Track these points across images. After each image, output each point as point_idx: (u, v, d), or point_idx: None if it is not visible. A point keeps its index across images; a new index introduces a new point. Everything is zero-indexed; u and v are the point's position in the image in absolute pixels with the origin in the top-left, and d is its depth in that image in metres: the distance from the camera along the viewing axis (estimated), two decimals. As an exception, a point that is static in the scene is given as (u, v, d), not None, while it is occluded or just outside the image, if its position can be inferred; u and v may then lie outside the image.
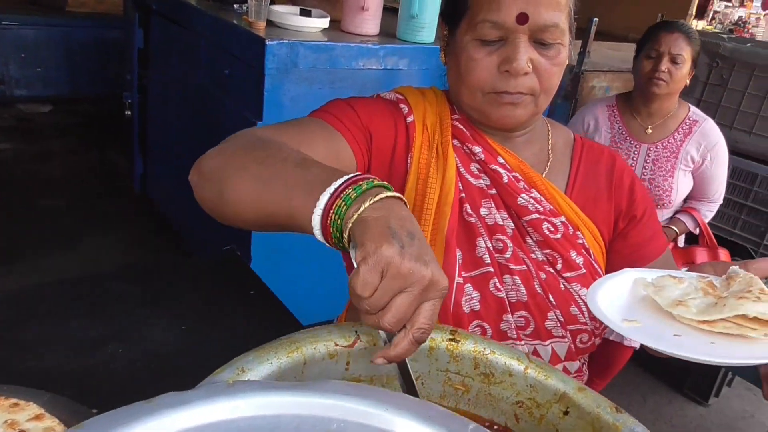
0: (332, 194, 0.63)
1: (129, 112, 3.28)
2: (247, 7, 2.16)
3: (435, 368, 0.72)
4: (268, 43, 1.99)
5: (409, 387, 0.63)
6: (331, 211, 0.63)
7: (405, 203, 0.64)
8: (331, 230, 0.63)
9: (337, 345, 0.68)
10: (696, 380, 2.78)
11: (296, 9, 2.30)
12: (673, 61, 2.18)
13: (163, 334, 0.95)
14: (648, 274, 0.82)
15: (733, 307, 0.68)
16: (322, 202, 0.64)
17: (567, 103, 2.70)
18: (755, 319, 0.67)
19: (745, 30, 6.71)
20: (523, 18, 0.87)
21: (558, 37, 0.91)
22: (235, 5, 2.46)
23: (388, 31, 2.34)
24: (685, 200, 2.44)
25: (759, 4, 7.52)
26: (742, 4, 7.27)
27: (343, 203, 0.62)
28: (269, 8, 2.15)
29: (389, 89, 1.06)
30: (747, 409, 2.62)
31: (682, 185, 2.30)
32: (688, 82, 2.26)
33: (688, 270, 0.86)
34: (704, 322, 0.69)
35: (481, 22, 0.89)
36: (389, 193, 0.63)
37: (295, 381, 0.62)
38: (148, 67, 3.10)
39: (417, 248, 0.59)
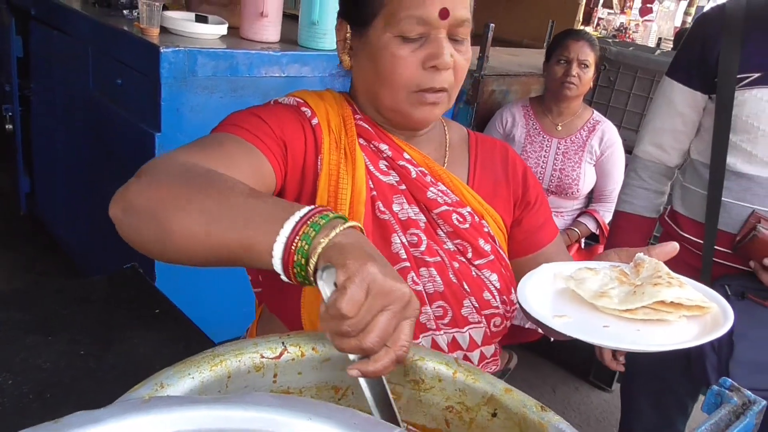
0: (297, 222, 0.63)
1: (10, 126, 3.03)
2: (138, 13, 2.06)
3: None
4: (162, 50, 1.89)
5: (383, 401, 0.63)
6: (297, 238, 0.62)
7: (358, 225, 0.65)
8: (295, 258, 0.62)
9: (263, 357, 0.66)
10: (599, 369, 2.92)
11: (191, 15, 2.21)
12: (581, 66, 2.44)
13: (57, 362, 0.87)
14: (564, 268, 0.85)
15: (652, 295, 0.73)
16: (286, 230, 0.62)
17: (469, 107, 2.77)
18: (670, 303, 0.73)
19: (626, 35, 7.21)
20: (445, 13, 0.89)
21: (467, 34, 0.94)
22: (124, 11, 2.34)
23: (289, 38, 2.31)
24: (587, 204, 2.62)
25: (637, 11, 8.12)
26: (622, 11, 7.82)
27: (311, 229, 0.62)
28: (162, 14, 2.05)
29: (292, 97, 1.03)
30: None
31: (587, 176, 2.54)
32: (592, 84, 2.54)
33: (595, 259, 0.89)
34: (627, 310, 0.74)
35: (406, 18, 0.89)
36: (353, 223, 0.64)
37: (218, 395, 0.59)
38: (29, 78, 2.89)
39: (391, 269, 0.61)
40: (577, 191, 2.54)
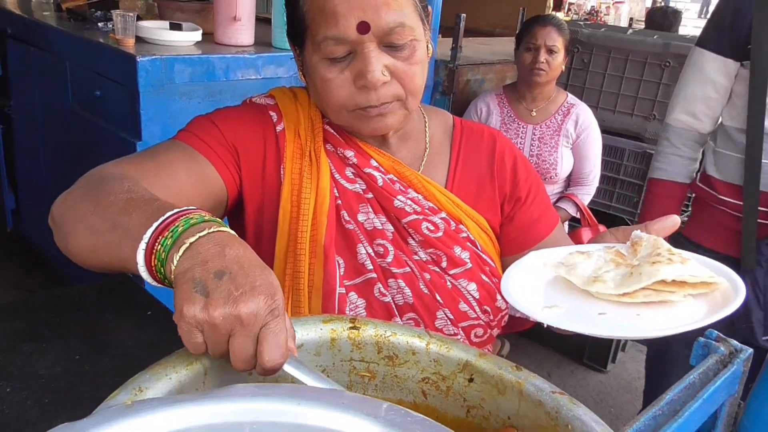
0: (146, 247, 0.63)
1: (-8, 144, 3.04)
2: (113, 25, 2.07)
3: (339, 359, 0.72)
4: (139, 59, 1.91)
5: (313, 375, 0.62)
6: (154, 260, 0.62)
7: (225, 231, 0.62)
8: (159, 276, 0.63)
9: None
10: (593, 350, 2.97)
11: (165, 23, 2.23)
12: (550, 51, 2.45)
13: (52, 368, 0.90)
14: (553, 254, 0.79)
15: (650, 275, 0.66)
16: (140, 258, 0.63)
17: (445, 97, 2.81)
18: (672, 282, 0.66)
19: (598, 19, 7.27)
20: (364, 27, 0.82)
21: (408, 35, 0.85)
22: (99, 23, 2.35)
23: (263, 41, 2.33)
24: (566, 187, 2.65)
25: (608, -6, 8.20)
26: (593, -5, 7.90)
27: (162, 249, 0.61)
28: (137, 24, 2.07)
29: (266, 97, 1.03)
30: (640, 370, 2.82)
31: (565, 160, 2.57)
32: (563, 68, 2.56)
33: (591, 241, 0.85)
34: (624, 294, 0.67)
35: (323, 40, 0.84)
36: (200, 234, 0.60)
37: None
38: (9, 96, 2.89)
39: (227, 286, 0.56)
40: (556, 176, 2.57)
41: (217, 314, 0.56)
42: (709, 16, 1.67)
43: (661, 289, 0.66)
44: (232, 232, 0.63)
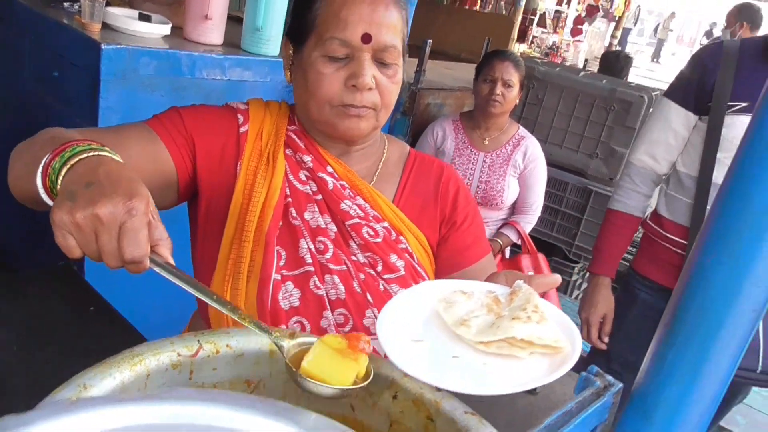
0: (41, 170, 0.74)
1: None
2: (80, 7, 2.05)
3: (276, 370, 0.77)
4: (104, 47, 1.90)
5: (175, 274, 0.71)
6: (47, 181, 0.73)
7: (105, 154, 0.74)
8: (52, 192, 0.73)
9: (180, 355, 0.70)
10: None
11: (135, 13, 2.22)
12: (506, 85, 2.57)
13: (-8, 354, 0.91)
14: (446, 286, 0.85)
15: (505, 330, 0.73)
16: (38, 180, 0.74)
17: (405, 118, 2.89)
18: (522, 340, 0.72)
19: (558, 54, 7.55)
20: (367, 38, 0.96)
21: (396, 58, 1.01)
22: (65, 3, 2.32)
23: (233, 42, 2.34)
24: (511, 214, 2.77)
25: (569, 31, 8.51)
26: (555, 31, 8.18)
27: (52, 171, 0.72)
28: (105, 10, 2.05)
29: (233, 100, 1.12)
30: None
31: (511, 188, 2.68)
32: (517, 101, 2.68)
33: (488, 280, 0.91)
34: (480, 342, 0.73)
35: (330, 39, 0.97)
36: (81, 157, 0.72)
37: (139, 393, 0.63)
38: (-40, 64, 2.80)
39: (91, 193, 0.67)
40: (502, 202, 2.69)
41: (79, 215, 0.65)
42: (679, 71, 1.84)
43: (513, 344, 0.73)
44: (114, 155, 0.76)
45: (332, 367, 0.70)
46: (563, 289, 3.48)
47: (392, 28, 0.99)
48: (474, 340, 0.74)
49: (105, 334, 1.02)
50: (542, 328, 0.73)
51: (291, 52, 1.07)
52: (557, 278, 0.88)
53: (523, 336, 0.72)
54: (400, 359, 0.70)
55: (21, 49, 2.33)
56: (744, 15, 4.63)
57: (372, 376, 0.73)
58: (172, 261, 0.71)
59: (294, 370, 0.70)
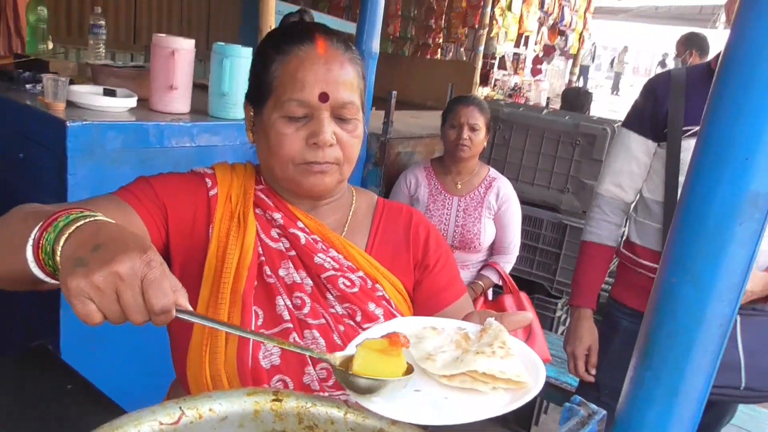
0: (33, 243, 0.72)
1: None
2: (42, 87, 2.07)
3: (261, 430, 0.75)
4: (69, 124, 1.91)
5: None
6: (41, 254, 0.72)
7: (101, 219, 0.74)
8: (45, 261, 0.72)
9: (162, 424, 0.69)
10: (518, 413, 3.03)
11: (99, 89, 2.24)
12: (472, 129, 2.62)
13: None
14: (417, 323, 0.87)
15: (467, 364, 0.74)
16: (29, 254, 0.73)
17: (377, 168, 2.92)
18: (484, 374, 0.73)
19: (521, 94, 7.77)
20: (324, 97, 0.99)
21: (354, 114, 1.03)
22: (27, 85, 2.33)
23: (199, 108, 2.38)
24: (489, 255, 2.79)
25: (529, 71, 8.79)
26: (516, 72, 8.44)
27: (47, 243, 0.71)
28: (69, 89, 2.08)
29: (203, 165, 1.13)
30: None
31: (488, 230, 2.70)
32: (485, 144, 2.73)
33: (465, 319, 0.91)
34: (444, 376, 0.75)
35: (288, 100, 0.99)
36: (77, 225, 0.71)
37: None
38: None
39: (102, 254, 0.66)
40: (479, 245, 2.70)
41: (97, 277, 0.64)
42: (634, 102, 1.91)
43: (476, 378, 0.74)
44: (109, 220, 0.75)
45: (381, 365, 0.73)
46: (548, 325, 3.47)
47: (348, 84, 1.02)
48: (437, 374, 0.75)
49: (85, 411, 1.00)
50: (505, 363, 0.74)
51: (252, 113, 1.09)
52: (528, 315, 0.89)
53: (484, 369, 0.73)
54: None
55: (-15, 134, 2.33)
56: (692, 43, 4.86)
57: (414, 370, 0.75)
58: (191, 308, 0.72)
59: (348, 372, 0.74)
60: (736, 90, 0.53)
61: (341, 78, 1.01)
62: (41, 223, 0.73)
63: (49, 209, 0.80)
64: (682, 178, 1.72)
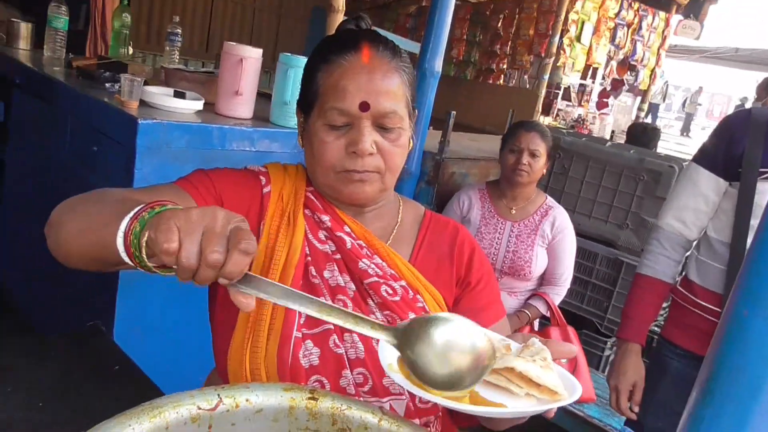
0: (131, 218, 0.76)
1: (-18, 185, 3.08)
2: (120, 87, 2.18)
3: (295, 427, 0.75)
4: (140, 122, 2.00)
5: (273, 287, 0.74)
6: (130, 234, 0.75)
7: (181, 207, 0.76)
8: (132, 251, 0.75)
9: (199, 408, 0.71)
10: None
11: (170, 90, 2.34)
12: (532, 155, 2.58)
13: (13, 413, 0.91)
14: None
15: (506, 361, 0.74)
16: (123, 226, 0.76)
17: (430, 187, 2.92)
18: (523, 378, 0.73)
19: (584, 127, 7.63)
20: (365, 106, 0.99)
21: (397, 123, 1.03)
22: (106, 84, 2.46)
23: (262, 115, 2.44)
24: (539, 285, 2.73)
25: (594, 105, 8.63)
26: (580, 104, 8.31)
27: (138, 225, 0.74)
28: (143, 89, 2.18)
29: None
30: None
31: (540, 258, 2.63)
32: (545, 171, 2.68)
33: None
34: None
35: (330, 109, 1.01)
36: (173, 208, 0.75)
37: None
38: (6, 141, 2.96)
39: (188, 215, 0.70)
40: (530, 273, 2.64)
41: (195, 214, 0.70)
42: (707, 137, 1.84)
43: (511, 379, 0.74)
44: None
45: None
46: (595, 364, 3.36)
47: (391, 94, 1.02)
48: None
49: (128, 393, 1.02)
50: (543, 372, 0.74)
51: (302, 119, 1.11)
52: (573, 348, 0.88)
53: (522, 369, 0.73)
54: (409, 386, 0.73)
55: (63, 128, 2.46)
56: (773, 87, 4.66)
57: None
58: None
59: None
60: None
61: (384, 87, 1.01)
62: (131, 216, 0.76)
63: (128, 195, 0.87)
64: (754, 222, 1.64)
